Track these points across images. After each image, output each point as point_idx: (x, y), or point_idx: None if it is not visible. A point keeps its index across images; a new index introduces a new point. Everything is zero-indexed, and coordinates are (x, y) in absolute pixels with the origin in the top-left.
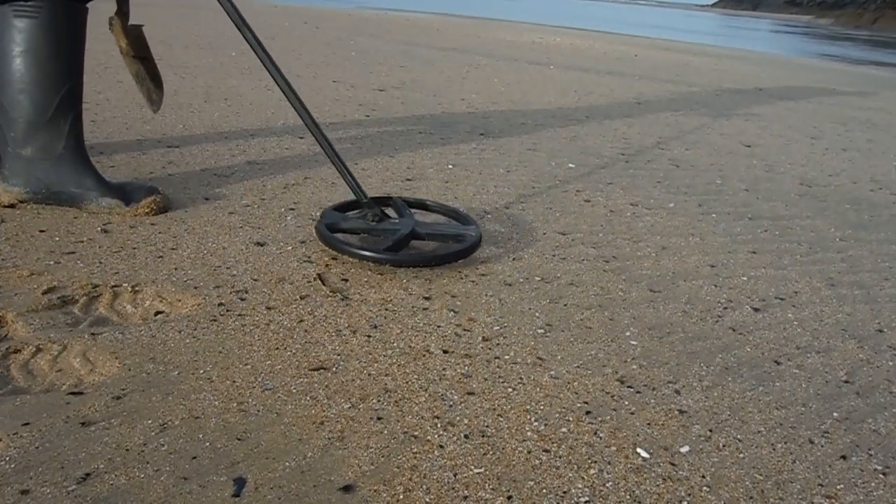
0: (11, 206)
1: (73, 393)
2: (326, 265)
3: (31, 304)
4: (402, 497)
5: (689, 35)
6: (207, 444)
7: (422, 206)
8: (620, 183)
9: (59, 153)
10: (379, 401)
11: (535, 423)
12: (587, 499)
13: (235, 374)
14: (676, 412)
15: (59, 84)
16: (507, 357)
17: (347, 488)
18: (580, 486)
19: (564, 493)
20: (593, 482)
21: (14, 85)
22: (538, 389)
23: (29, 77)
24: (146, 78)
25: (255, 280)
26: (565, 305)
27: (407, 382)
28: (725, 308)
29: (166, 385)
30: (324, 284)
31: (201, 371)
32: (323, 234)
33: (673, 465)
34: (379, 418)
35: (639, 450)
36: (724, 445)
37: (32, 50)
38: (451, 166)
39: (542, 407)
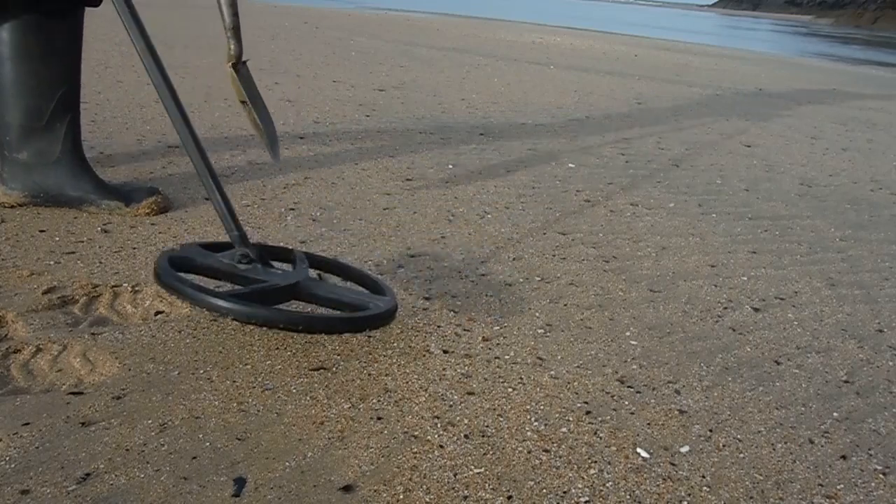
0: (11, 206)
1: (73, 393)
2: None
3: (32, 304)
4: (402, 497)
5: (689, 35)
6: (207, 444)
7: (326, 266)
8: (620, 183)
9: (56, 157)
10: (379, 401)
11: (536, 423)
12: (587, 499)
13: (235, 374)
14: (676, 412)
15: (53, 88)
16: (507, 357)
17: (347, 488)
18: (580, 486)
19: (564, 493)
20: (593, 482)
21: (7, 89)
22: (538, 389)
23: (22, 81)
24: (252, 122)
25: None
26: (565, 305)
27: (407, 382)
28: (725, 308)
29: (166, 385)
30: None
31: (201, 371)
32: (159, 271)
33: (673, 464)
34: (379, 418)
35: (639, 450)
36: (724, 445)
37: (25, 54)
38: (451, 166)
39: (542, 407)
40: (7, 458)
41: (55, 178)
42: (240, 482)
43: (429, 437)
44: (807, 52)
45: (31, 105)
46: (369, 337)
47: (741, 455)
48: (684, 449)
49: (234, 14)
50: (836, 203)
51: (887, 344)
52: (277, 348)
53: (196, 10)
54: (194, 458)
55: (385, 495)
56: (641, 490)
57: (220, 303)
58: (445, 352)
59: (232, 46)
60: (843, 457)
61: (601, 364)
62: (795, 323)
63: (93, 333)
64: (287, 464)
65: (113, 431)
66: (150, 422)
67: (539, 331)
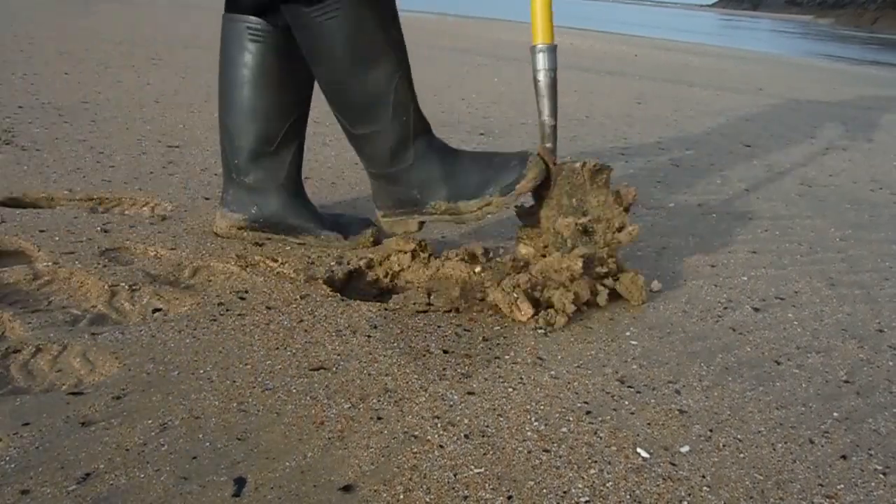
0: (226, 233)
1: (73, 393)
2: (327, 265)
3: (31, 304)
4: (402, 497)
5: (689, 35)
6: (207, 444)
7: None
8: (621, 182)
9: (280, 183)
10: (379, 401)
11: (536, 423)
12: (587, 499)
13: (235, 373)
14: (677, 412)
15: (287, 114)
16: (507, 357)
17: (347, 488)
18: (580, 485)
19: (565, 493)
20: (593, 482)
21: (244, 113)
22: (538, 389)
23: (259, 106)
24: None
25: (255, 279)
26: None
27: (407, 382)
28: (725, 308)
29: (166, 385)
30: (325, 284)
31: (201, 371)
32: None
33: (673, 464)
34: (379, 418)
35: (639, 450)
36: (724, 445)
37: (266, 78)
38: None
39: (542, 407)
40: (7, 458)
41: (277, 204)
42: (240, 482)
43: (429, 437)
44: (807, 52)
45: (265, 130)
46: (369, 337)
47: (741, 455)
48: (684, 449)
49: (554, 114)
50: (836, 203)
51: (887, 344)
52: (277, 348)
53: (196, 10)
54: (194, 458)
55: (385, 495)
56: (641, 490)
57: None
58: (445, 352)
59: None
60: (844, 457)
61: (601, 364)
62: (795, 323)
63: (92, 333)
64: (287, 464)
65: (113, 431)
66: (150, 422)
67: (539, 330)
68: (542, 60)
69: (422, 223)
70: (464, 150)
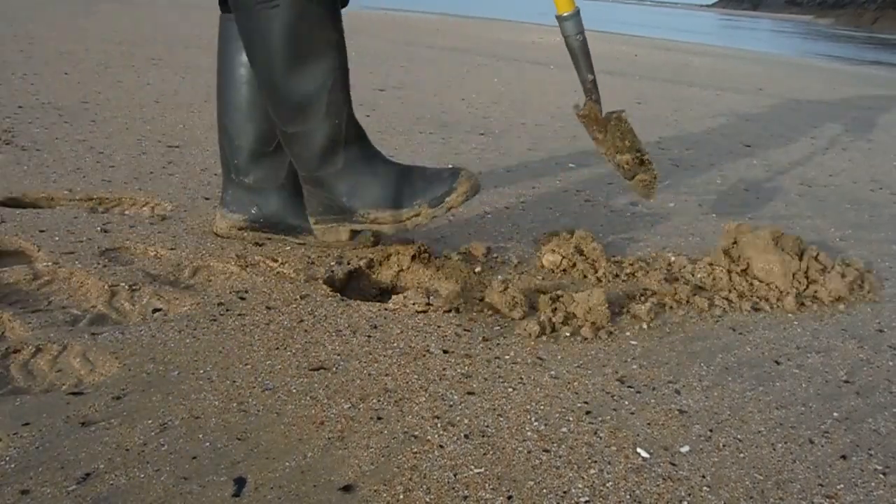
0: (227, 233)
1: (73, 393)
2: (327, 265)
3: (31, 304)
4: (402, 497)
5: (689, 35)
6: (207, 444)
7: None
8: (621, 183)
9: (281, 183)
10: (379, 401)
11: (536, 423)
12: (587, 499)
13: (235, 373)
14: (676, 412)
15: None
16: (507, 357)
17: (347, 488)
18: (580, 485)
19: (564, 493)
20: (593, 482)
21: (242, 113)
22: (538, 389)
23: (257, 105)
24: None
25: (255, 279)
26: None
27: (407, 382)
28: (725, 308)
29: (166, 385)
30: (325, 284)
31: (201, 371)
32: None
33: (673, 464)
34: (379, 418)
35: (639, 450)
36: (724, 445)
37: None
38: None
39: (542, 407)
40: (7, 458)
41: (277, 204)
42: (240, 482)
43: (429, 437)
44: (807, 52)
45: (264, 129)
46: (369, 337)
47: (741, 455)
48: (684, 449)
49: (591, 70)
50: (836, 203)
51: (887, 344)
52: (277, 348)
53: (196, 10)
54: (194, 458)
55: (385, 495)
56: (641, 490)
57: None
58: (445, 352)
59: (593, 98)
60: (844, 457)
61: (601, 364)
62: (795, 323)
63: (92, 333)
64: (287, 464)
65: (113, 431)
66: (150, 422)
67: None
68: (569, 27)
69: (354, 232)
70: (399, 162)
